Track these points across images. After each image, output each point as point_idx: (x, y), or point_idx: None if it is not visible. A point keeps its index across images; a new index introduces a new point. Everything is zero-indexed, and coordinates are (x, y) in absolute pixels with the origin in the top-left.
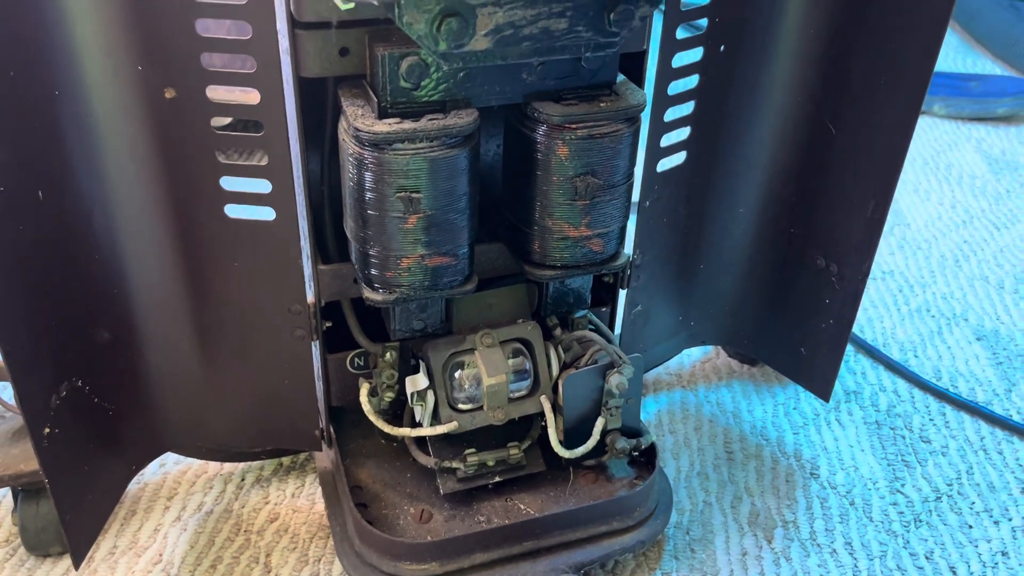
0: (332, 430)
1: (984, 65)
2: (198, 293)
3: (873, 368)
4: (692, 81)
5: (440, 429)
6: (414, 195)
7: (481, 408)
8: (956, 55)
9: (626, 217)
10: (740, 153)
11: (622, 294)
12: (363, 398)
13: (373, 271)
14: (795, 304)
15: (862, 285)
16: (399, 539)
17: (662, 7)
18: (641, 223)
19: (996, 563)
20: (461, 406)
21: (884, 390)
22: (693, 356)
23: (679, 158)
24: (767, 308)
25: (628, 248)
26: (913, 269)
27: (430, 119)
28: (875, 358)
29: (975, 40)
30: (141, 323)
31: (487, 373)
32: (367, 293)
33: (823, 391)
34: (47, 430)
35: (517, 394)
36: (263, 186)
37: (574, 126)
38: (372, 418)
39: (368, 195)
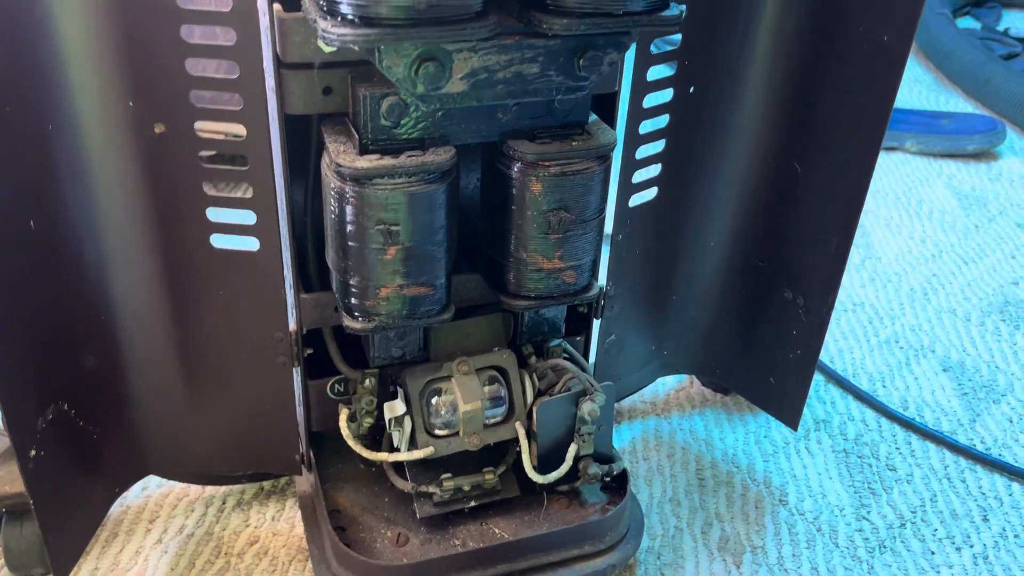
0: (312, 455)
1: (956, 103)
2: (183, 320)
3: (843, 398)
4: (663, 121)
5: (417, 454)
6: (393, 228)
7: (457, 434)
8: (929, 93)
9: (598, 250)
10: (710, 189)
11: (596, 324)
12: (342, 424)
13: (353, 300)
14: (764, 335)
15: (827, 316)
16: (375, 562)
17: (631, 51)
18: (614, 256)
19: None
20: (438, 432)
21: (852, 419)
22: (667, 385)
23: (650, 193)
24: (737, 338)
25: (602, 280)
26: (883, 301)
27: (409, 155)
28: (844, 388)
29: (948, 79)
30: (126, 349)
31: (463, 400)
32: (347, 321)
33: (791, 420)
34: (33, 452)
35: (492, 420)
36: (248, 217)
37: (547, 163)
38: (351, 443)
39: (349, 227)
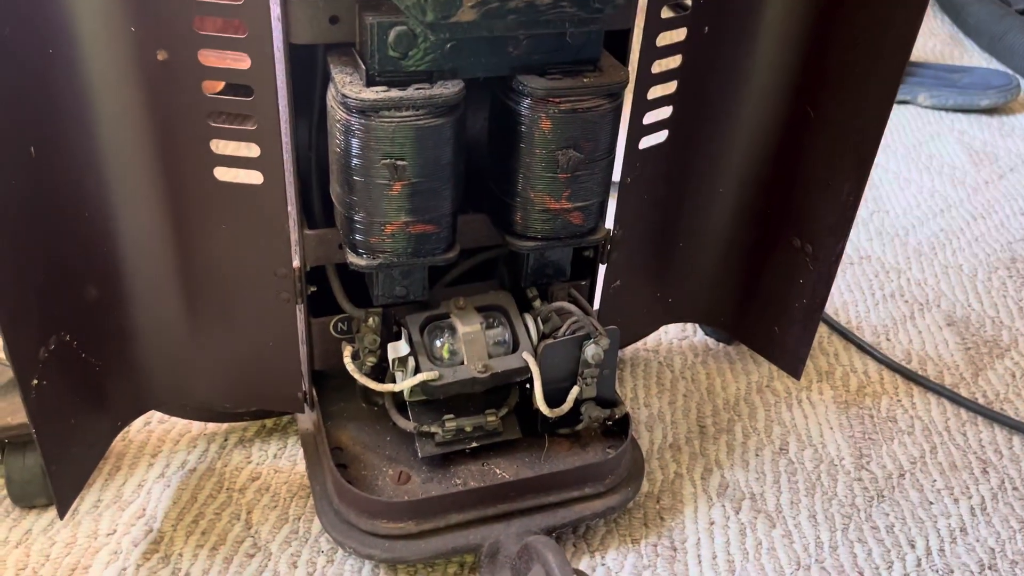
0: (314, 393)
1: (971, 58)
2: (185, 254)
3: (845, 350)
4: (675, 61)
5: (423, 376)
6: (399, 163)
7: (462, 363)
8: (944, 47)
9: (606, 192)
10: (720, 133)
11: (601, 269)
12: (347, 360)
13: (358, 236)
14: (770, 283)
15: (835, 265)
16: (377, 498)
17: None
18: (622, 199)
19: (955, 539)
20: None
21: (855, 371)
22: (670, 333)
23: (660, 136)
24: (743, 287)
25: (609, 224)
26: (889, 255)
27: (417, 88)
28: (848, 340)
29: (963, 33)
30: (128, 281)
31: (462, 324)
32: (351, 258)
33: (794, 369)
34: (35, 382)
35: (497, 353)
36: (252, 150)
37: (558, 100)
38: (357, 377)
39: (354, 161)
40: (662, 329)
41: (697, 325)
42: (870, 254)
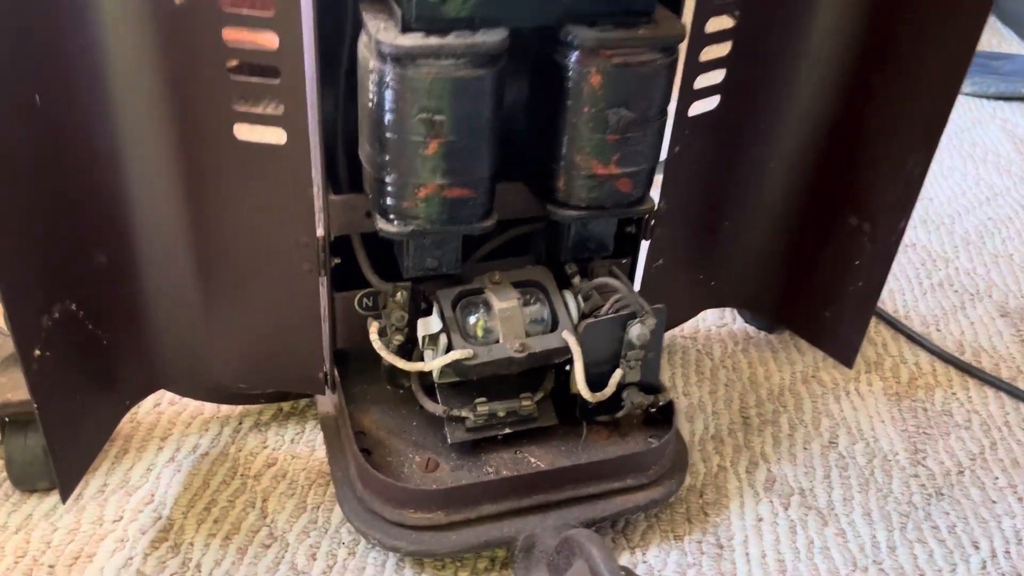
0: (336, 373)
1: (1009, 46)
2: (202, 219)
3: (894, 339)
4: (731, 20)
5: (456, 355)
6: (436, 117)
7: (498, 341)
8: (984, 35)
9: (656, 158)
10: (775, 102)
11: (643, 247)
12: (372, 336)
13: (389, 201)
14: (822, 265)
15: (895, 246)
16: (404, 485)
17: None
18: (668, 170)
19: (1020, 540)
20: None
21: (905, 362)
22: (708, 320)
23: (711, 103)
24: (792, 269)
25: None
26: (935, 244)
27: (458, 35)
28: (896, 329)
29: (1003, 21)
30: (140, 248)
31: (498, 299)
32: (381, 224)
33: (846, 357)
34: (37, 352)
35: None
36: (275, 108)
37: (609, 53)
38: (384, 354)
39: (388, 116)
40: (700, 316)
41: (736, 312)
42: (915, 242)
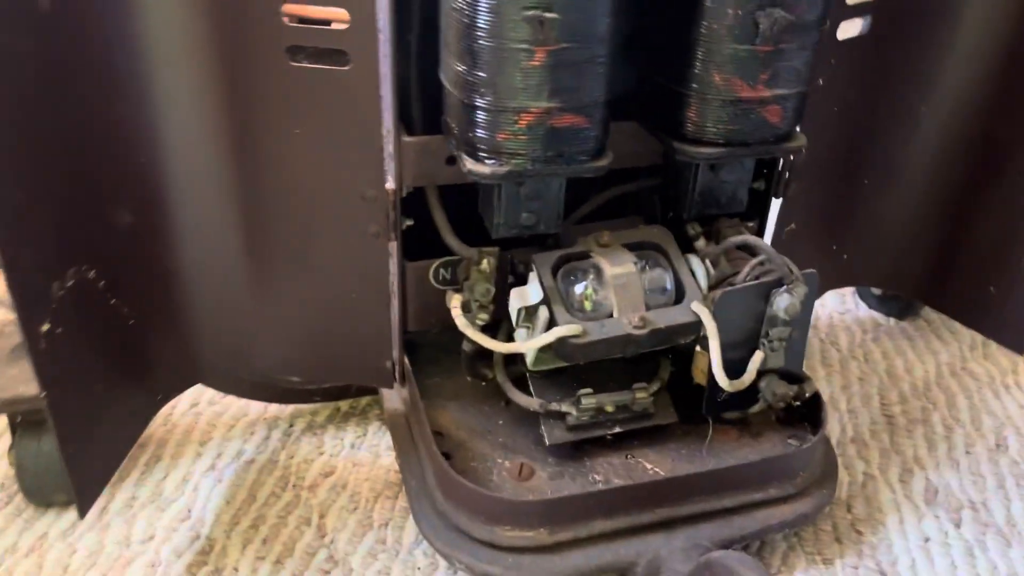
0: (407, 363)
1: None
2: (248, 169)
3: None
4: None
5: (562, 331)
6: (547, 15)
7: (611, 316)
8: None
9: (811, 80)
10: (933, 30)
11: (773, 209)
12: (454, 310)
13: (480, 132)
14: (985, 231)
15: None
16: (498, 495)
17: None
18: (810, 107)
19: None
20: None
21: None
22: (828, 306)
23: (859, 26)
24: (945, 237)
25: None
26: None
27: None
28: None
29: None
30: (173, 205)
31: (610, 264)
32: (469, 165)
33: (1016, 341)
34: (46, 327)
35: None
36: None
37: None
38: (469, 332)
39: (483, 18)
40: (817, 302)
41: (857, 297)
42: None
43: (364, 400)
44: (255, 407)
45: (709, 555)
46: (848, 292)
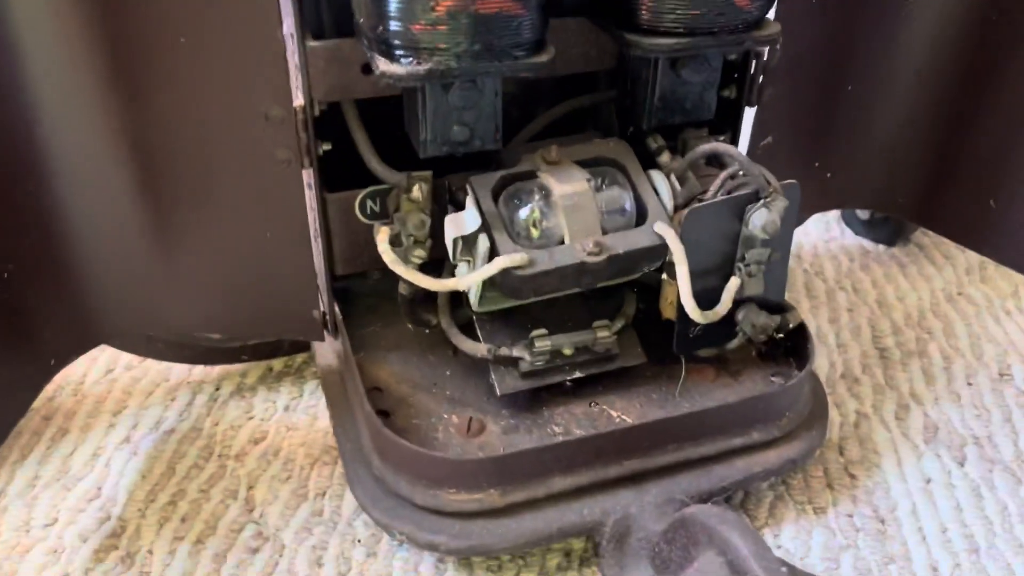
0: (337, 311)
1: None
2: (128, 90)
3: None
4: None
5: (504, 262)
6: None
7: (561, 243)
8: None
9: None
10: None
11: (747, 119)
12: (381, 245)
13: (392, 25)
14: (985, 138)
15: None
16: (440, 455)
17: None
18: (782, 3)
19: None
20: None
21: None
22: (812, 234)
23: None
24: (940, 148)
25: None
26: None
27: None
28: None
29: None
30: (43, 136)
31: (558, 182)
32: (383, 66)
33: (1020, 259)
34: None
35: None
36: None
37: None
38: (399, 269)
39: None
40: (799, 229)
41: (843, 224)
42: None
43: (300, 358)
44: (177, 370)
45: (684, 511)
46: (833, 217)
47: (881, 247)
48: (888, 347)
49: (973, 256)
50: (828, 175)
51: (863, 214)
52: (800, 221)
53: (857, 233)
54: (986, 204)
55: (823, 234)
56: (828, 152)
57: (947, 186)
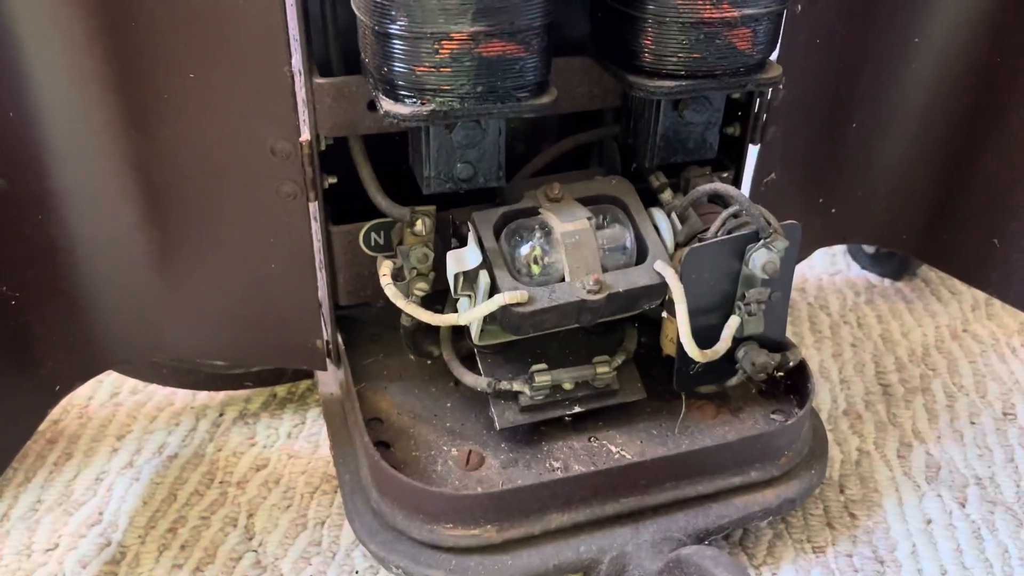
0: (340, 341)
1: None
2: (138, 123)
3: None
4: None
5: (504, 299)
6: None
7: (562, 280)
8: None
9: (785, 1)
10: None
11: (750, 157)
12: (383, 279)
13: (397, 67)
14: (988, 177)
15: None
16: (437, 490)
17: None
18: (787, 39)
19: None
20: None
21: None
22: (816, 268)
23: None
24: (944, 186)
25: None
26: None
27: None
28: None
29: None
30: (52, 167)
31: (560, 220)
32: (387, 105)
33: (1022, 298)
34: None
35: (616, 265)
36: None
37: None
38: (400, 303)
39: None
40: (805, 263)
41: (850, 257)
42: None
43: (303, 384)
44: (182, 396)
45: (679, 551)
46: (839, 251)
47: (887, 281)
48: (891, 383)
49: (979, 292)
50: (833, 210)
51: (869, 248)
52: (805, 255)
53: (863, 267)
54: (990, 242)
55: (828, 268)
56: (833, 188)
57: (951, 223)
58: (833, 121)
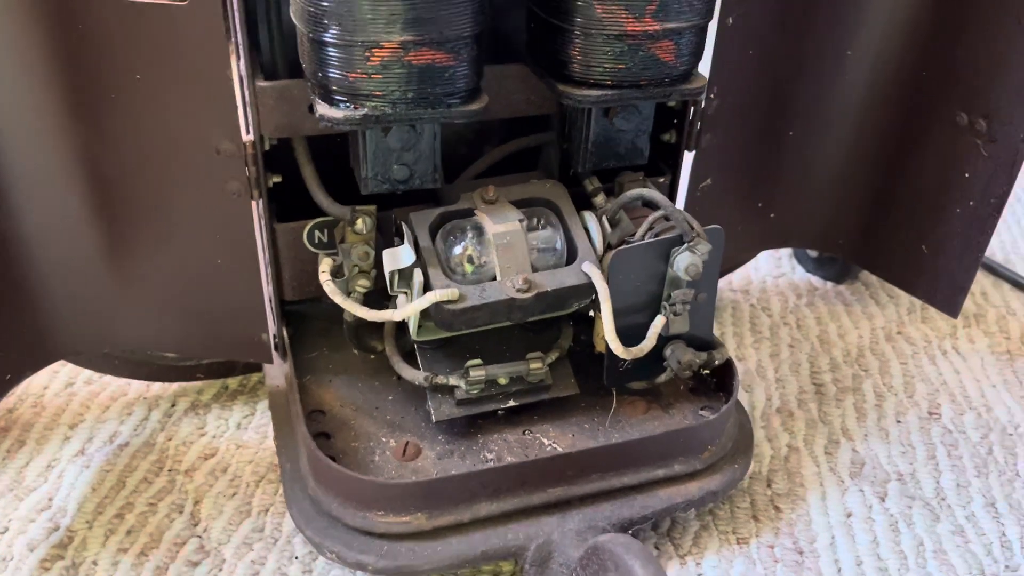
0: (286, 335)
1: None
2: (87, 121)
3: (995, 287)
4: None
5: (435, 296)
6: None
7: (493, 279)
8: None
9: (710, 12)
10: None
11: (686, 163)
12: (323, 276)
13: (332, 73)
14: (920, 182)
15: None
16: (370, 479)
17: None
18: (720, 51)
19: None
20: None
21: (1014, 314)
22: (762, 270)
23: None
24: (877, 193)
25: None
26: None
27: None
28: (998, 275)
29: None
30: (5, 159)
31: (492, 221)
32: (322, 109)
33: (950, 303)
34: None
35: (546, 265)
36: None
37: None
38: (339, 299)
39: None
40: (751, 264)
41: (795, 260)
42: None
43: (254, 377)
44: (135, 386)
45: (597, 539)
46: (784, 254)
47: (829, 284)
48: (825, 383)
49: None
50: (772, 215)
51: (812, 252)
52: (748, 258)
53: (808, 270)
54: (918, 248)
55: (773, 270)
56: (771, 193)
57: (883, 230)
58: (770, 129)
